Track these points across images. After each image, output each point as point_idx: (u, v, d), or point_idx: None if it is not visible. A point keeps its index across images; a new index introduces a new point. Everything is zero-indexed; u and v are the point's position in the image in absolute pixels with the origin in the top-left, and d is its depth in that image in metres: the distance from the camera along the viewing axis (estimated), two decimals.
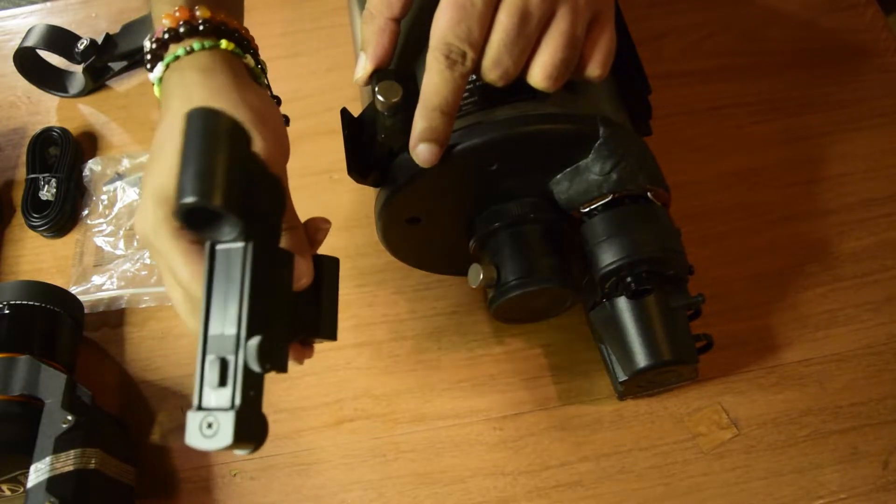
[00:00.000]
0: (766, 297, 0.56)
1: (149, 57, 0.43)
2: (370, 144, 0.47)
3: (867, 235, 0.58)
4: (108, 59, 0.69)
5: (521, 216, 0.46)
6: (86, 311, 0.58)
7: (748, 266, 0.57)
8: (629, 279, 0.45)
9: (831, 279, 0.56)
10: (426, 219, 0.48)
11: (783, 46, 0.67)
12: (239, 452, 0.32)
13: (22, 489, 0.50)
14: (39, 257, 0.62)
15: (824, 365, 0.53)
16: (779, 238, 0.58)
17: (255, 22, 0.72)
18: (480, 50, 0.38)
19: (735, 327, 0.55)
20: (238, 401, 0.31)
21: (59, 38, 0.67)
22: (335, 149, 0.49)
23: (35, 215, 0.61)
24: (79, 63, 0.67)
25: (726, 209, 0.60)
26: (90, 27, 0.73)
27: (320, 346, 0.56)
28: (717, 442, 0.51)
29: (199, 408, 0.31)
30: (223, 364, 0.32)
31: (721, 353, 0.52)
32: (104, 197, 0.64)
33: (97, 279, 0.60)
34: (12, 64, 0.67)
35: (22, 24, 0.74)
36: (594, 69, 0.40)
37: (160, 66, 0.43)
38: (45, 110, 0.70)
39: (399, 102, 0.43)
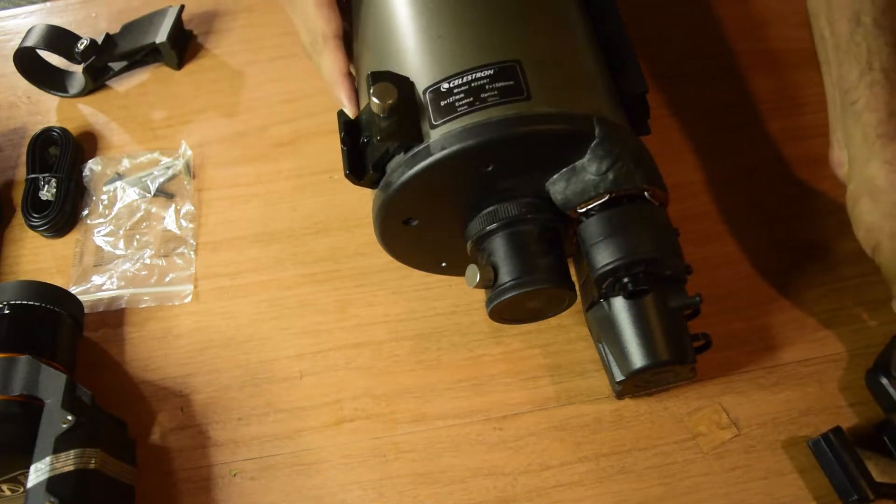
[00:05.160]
0: (766, 297, 0.56)
1: None
2: (366, 146, 0.47)
3: None
4: (108, 59, 0.69)
5: (518, 216, 0.46)
6: (86, 311, 0.58)
7: (748, 266, 0.57)
8: (626, 279, 0.45)
9: (831, 279, 0.56)
10: (422, 220, 0.48)
11: (783, 46, 0.67)
12: None
13: (22, 489, 0.50)
14: (39, 257, 0.62)
15: (824, 365, 0.53)
16: (779, 238, 0.58)
17: (256, 22, 0.73)
18: None
19: (735, 327, 0.55)
20: None
21: (59, 38, 0.67)
22: (335, 149, 0.49)
23: (35, 215, 0.61)
24: (79, 63, 0.67)
25: (726, 209, 0.60)
26: (90, 27, 0.73)
27: (320, 347, 0.57)
28: (717, 442, 0.51)
29: None
30: None
31: (721, 353, 0.52)
32: (104, 197, 0.64)
33: (97, 279, 0.60)
34: (12, 64, 0.67)
35: (22, 24, 0.74)
36: None
37: None
38: (45, 110, 0.70)
39: (394, 104, 0.43)
